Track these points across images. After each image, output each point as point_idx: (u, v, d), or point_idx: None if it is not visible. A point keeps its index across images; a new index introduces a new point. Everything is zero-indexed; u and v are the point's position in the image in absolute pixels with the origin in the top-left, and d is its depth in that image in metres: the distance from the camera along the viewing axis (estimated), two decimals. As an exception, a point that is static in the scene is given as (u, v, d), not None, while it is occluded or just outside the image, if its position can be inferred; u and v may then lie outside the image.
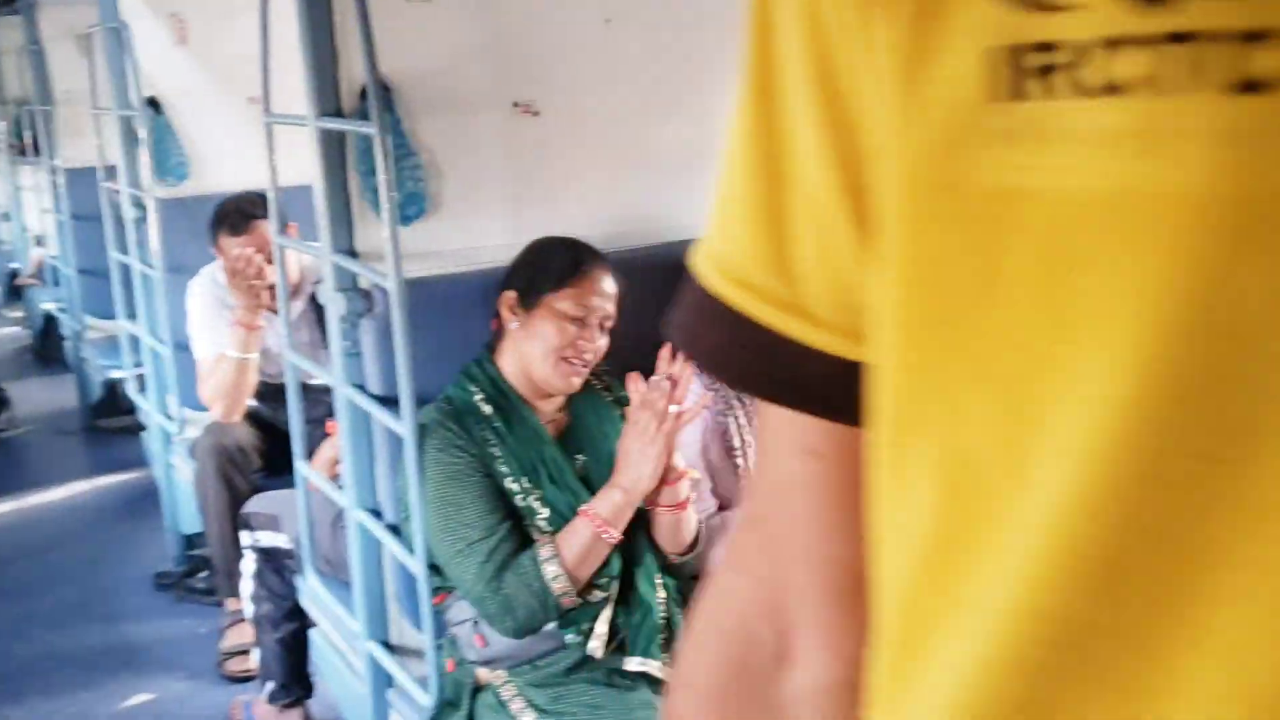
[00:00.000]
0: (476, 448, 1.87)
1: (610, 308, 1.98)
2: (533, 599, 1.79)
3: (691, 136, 2.48)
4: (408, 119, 2.09)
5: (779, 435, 0.53)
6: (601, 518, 1.81)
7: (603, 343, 1.97)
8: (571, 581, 1.80)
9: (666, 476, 1.88)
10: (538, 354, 1.92)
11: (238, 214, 3.08)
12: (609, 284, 1.98)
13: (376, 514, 2.12)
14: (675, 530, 1.94)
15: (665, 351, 1.84)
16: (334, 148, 2.02)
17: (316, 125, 1.97)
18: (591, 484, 1.94)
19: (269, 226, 2.87)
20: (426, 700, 1.99)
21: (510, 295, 1.96)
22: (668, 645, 1.89)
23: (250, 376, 3.12)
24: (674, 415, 1.81)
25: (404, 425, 1.85)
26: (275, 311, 3.14)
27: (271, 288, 3.05)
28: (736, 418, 2.23)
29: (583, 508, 1.84)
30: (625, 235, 2.36)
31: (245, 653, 3.08)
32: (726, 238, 0.51)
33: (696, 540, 1.99)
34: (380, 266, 1.90)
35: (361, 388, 2.07)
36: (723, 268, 0.51)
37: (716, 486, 2.21)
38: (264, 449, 3.21)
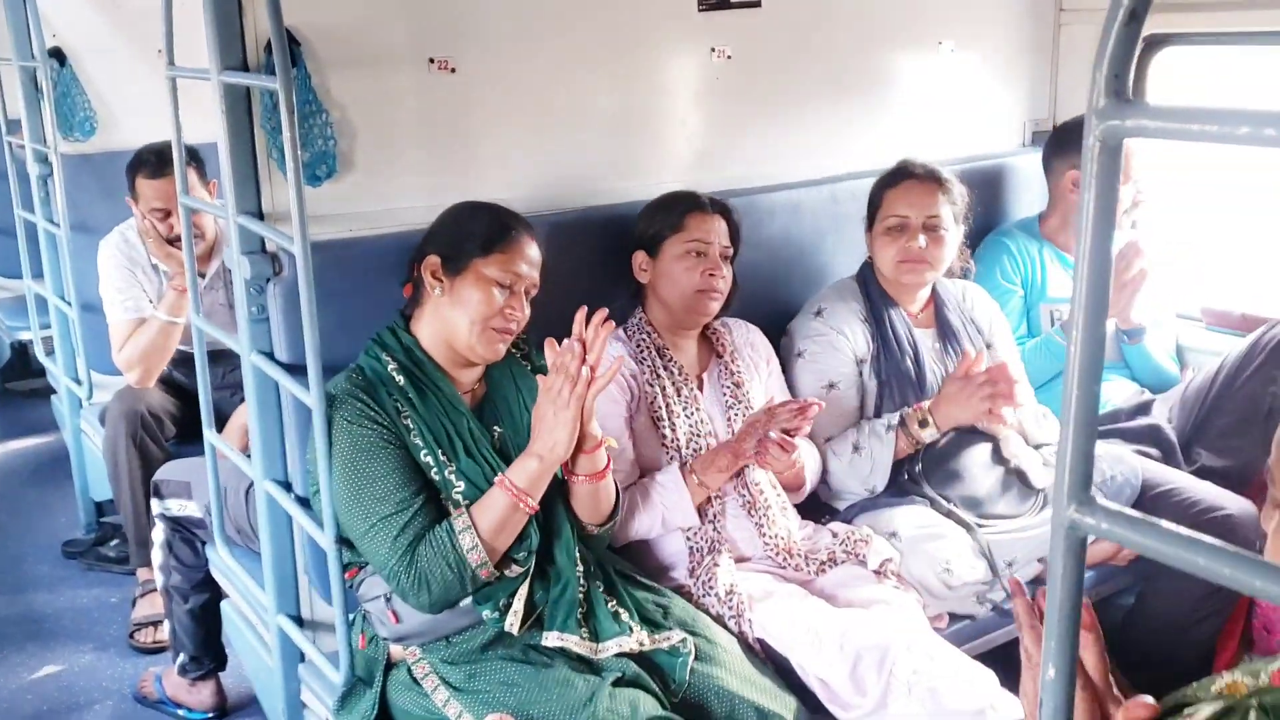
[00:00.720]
0: (389, 419, 1.80)
1: (536, 276, 1.92)
2: (449, 571, 1.74)
3: (618, 98, 2.42)
4: (318, 74, 2.00)
5: None
6: (518, 487, 1.76)
7: (527, 312, 1.92)
8: (489, 552, 1.75)
9: (584, 445, 1.83)
10: (464, 322, 1.85)
11: (156, 158, 2.99)
12: (535, 252, 1.92)
13: (286, 486, 2.05)
14: (594, 500, 1.90)
15: (579, 315, 1.80)
16: (239, 103, 1.92)
17: (219, 79, 1.87)
18: (509, 456, 1.88)
19: (191, 173, 2.78)
20: (337, 677, 1.94)
21: (434, 260, 1.88)
22: (586, 619, 1.85)
23: (175, 342, 3.03)
24: (586, 378, 1.76)
25: (312, 395, 1.78)
26: (203, 275, 3.06)
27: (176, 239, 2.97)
28: (663, 387, 2.19)
29: (498, 477, 1.79)
30: (548, 199, 2.30)
31: (157, 623, 3.00)
32: None
33: (615, 510, 1.96)
34: (286, 229, 1.81)
35: (270, 355, 1.99)
36: None
37: (640, 454, 2.17)
38: (179, 415, 3.13)
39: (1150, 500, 2.39)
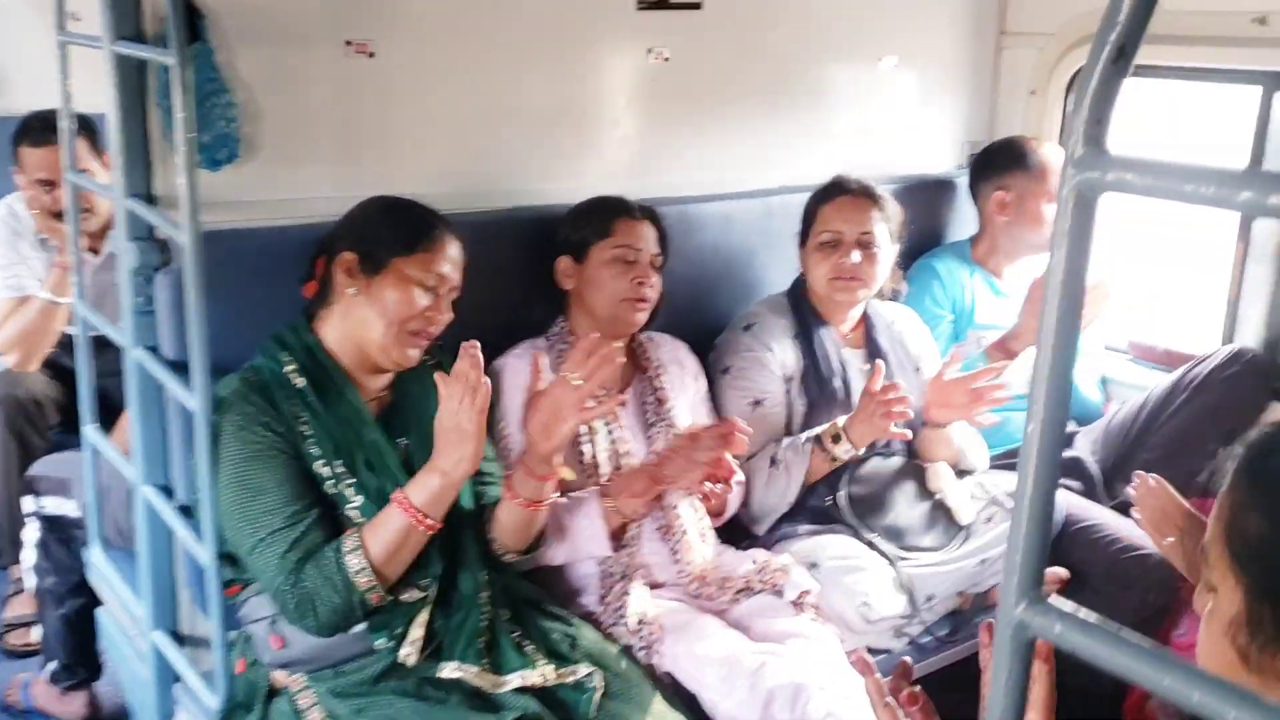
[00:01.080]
0: (284, 425, 1.67)
1: (458, 278, 1.80)
2: (335, 595, 1.61)
3: (548, 94, 2.30)
4: (223, 50, 1.85)
5: None
6: (415, 505, 1.63)
7: (448, 315, 1.79)
8: (379, 576, 1.62)
9: (537, 470, 1.74)
10: (379, 323, 1.72)
11: (42, 126, 2.78)
12: (458, 252, 1.81)
13: (168, 491, 1.90)
14: (526, 526, 1.79)
15: (471, 351, 1.70)
16: (132, 77, 1.77)
17: (111, 50, 1.72)
18: (415, 470, 1.76)
19: (82, 144, 2.60)
20: (213, 702, 1.80)
21: (349, 258, 1.74)
22: (489, 649, 1.73)
23: (59, 323, 2.84)
24: (486, 390, 1.64)
25: (195, 397, 1.64)
26: (96, 252, 2.87)
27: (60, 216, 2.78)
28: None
29: (395, 493, 1.66)
30: (468, 197, 2.17)
31: (30, 624, 2.80)
32: None
33: (539, 538, 1.85)
34: (178, 215, 1.67)
35: (155, 350, 1.84)
36: None
37: (556, 470, 2.07)
38: (64, 402, 2.92)
39: (1071, 535, 2.35)
